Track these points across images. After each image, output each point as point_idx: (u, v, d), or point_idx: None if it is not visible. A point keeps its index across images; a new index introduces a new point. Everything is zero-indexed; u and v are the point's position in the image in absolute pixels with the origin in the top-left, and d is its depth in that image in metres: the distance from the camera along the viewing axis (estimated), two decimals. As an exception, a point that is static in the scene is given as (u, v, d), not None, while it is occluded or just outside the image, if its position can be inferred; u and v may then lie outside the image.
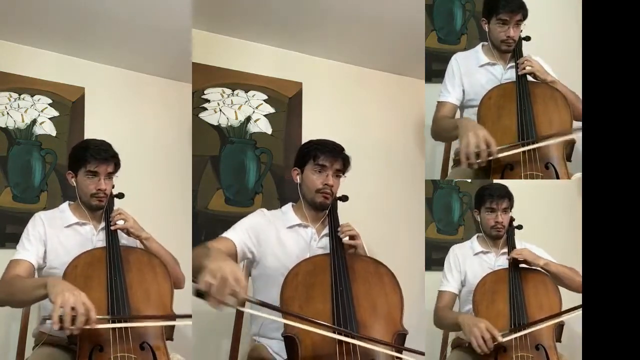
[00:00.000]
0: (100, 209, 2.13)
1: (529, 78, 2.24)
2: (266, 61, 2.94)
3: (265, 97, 2.94)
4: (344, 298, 1.90)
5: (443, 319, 2.29)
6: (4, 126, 2.72)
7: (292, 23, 2.77)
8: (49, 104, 2.81)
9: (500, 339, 1.99)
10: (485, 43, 2.38)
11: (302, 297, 1.90)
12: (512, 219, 2.39)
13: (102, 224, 2.14)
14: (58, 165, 2.78)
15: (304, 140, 2.41)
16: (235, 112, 2.89)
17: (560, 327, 2.10)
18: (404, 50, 2.85)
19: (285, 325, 1.82)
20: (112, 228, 2.09)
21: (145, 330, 1.92)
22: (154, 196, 2.85)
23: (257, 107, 2.92)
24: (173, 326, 1.97)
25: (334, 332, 1.80)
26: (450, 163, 2.59)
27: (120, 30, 2.67)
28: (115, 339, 1.85)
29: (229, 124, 2.87)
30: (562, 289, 2.20)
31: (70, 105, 2.84)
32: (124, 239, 2.12)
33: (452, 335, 2.44)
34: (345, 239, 2.03)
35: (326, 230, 2.12)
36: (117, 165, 2.13)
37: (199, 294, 1.63)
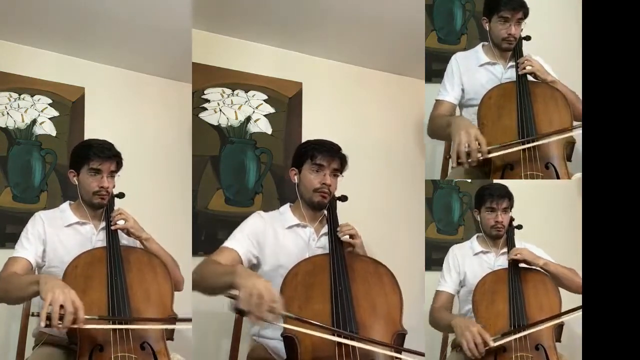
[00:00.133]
0: (102, 207, 2.13)
1: (529, 78, 2.24)
2: (266, 61, 2.94)
3: (265, 97, 2.94)
4: (343, 298, 1.90)
5: (438, 320, 2.29)
6: (4, 126, 2.73)
7: (292, 23, 2.77)
8: (49, 104, 2.81)
9: (492, 344, 1.98)
10: (486, 43, 2.38)
11: (302, 298, 1.90)
12: (512, 219, 2.39)
13: (103, 224, 2.14)
14: (58, 165, 2.78)
15: (304, 140, 2.41)
16: (235, 112, 2.89)
17: (560, 327, 2.09)
18: (404, 50, 2.85)
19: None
20: (113, 228, 2.09)
21: (146, 331, 1.92)
22: (154, 196, 2.85)
23: (257, 107, 2.92)
24: (173, 327, 1.98)
25: (333, 334, 1.80)
26: (450, 163, 2.59)
27: (120, 30, 2.68)
28: (115, 339, 1.85)
29: (229, 124, 2.87)
30: (562, 289, 2.20)
31: (70, 105, 2.85)
32: (124, 239, 2.12)
33: (452, 336, 2.43)
34: (345, 238, 2.03)
35: (325, 230, 2.12)
36: (119, 164, 2.13)
37: (239, 311, 1.68)
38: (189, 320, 1.97)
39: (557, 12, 2.79)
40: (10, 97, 2.75)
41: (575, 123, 2.16)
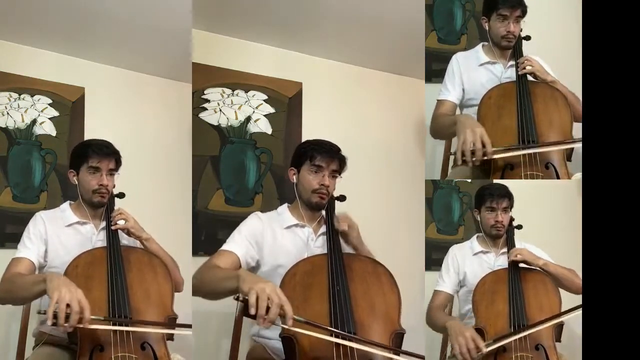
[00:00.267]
0: (102, 206, 2.13)
1: (529, 78, 2.24)
2: (266, 61, 2.94)
3: (265, 97, 2.94)
4: (342, 298, 1.90)
5: (434, 320, 2.29)
6: (4, 126, 2.73)
7: (292, 23, 2.77)
8: (49, 104, 2.81)
9: (484, 350, 1.98)
10: (486, 43, 2.38)
11: (300, 298, 1.89)
12: (512, 219, 2.39)
13: (103, 224, 2.14)
14: (58, 165, 2.78)
15: (304, 140, 2.41)
16: (235, 112, 2.89)
17: (560, 327, 2.09)
18: (404, 50, 2.85)
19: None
20: (113, 228, 2.09)
21: (146, 331, 1.92)
22: (154, 196, 2.85)
23: (257, 107, 2.92)
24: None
25: (331, 335, 1.80)
26: (450, 163, 2.59)
27: (120, 30, 2.68)
28: (116, 340, 1.85)
29: (229, 124, 2.87)
30: (561, 290, 2.20)
31: (70, 105, 2.85)
32: (124, 239, 2.12)
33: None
34: (343, 228, 2.04)
35: (323, 229, 2.12)
36: (118, 162, 2.14)
37: (249, 315, 1.68)
38: (189, 326, 1.96)
39: (557, 12, 2.79)
40: (10, 97, 2.75)
41: (576, 129, 2.16)
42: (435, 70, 2.71)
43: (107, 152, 2.10)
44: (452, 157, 2.58)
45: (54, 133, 2.81)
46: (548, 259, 2.25)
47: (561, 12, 2.79)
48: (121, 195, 2.19)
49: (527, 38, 2.33)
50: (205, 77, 2.82)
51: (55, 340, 2.05)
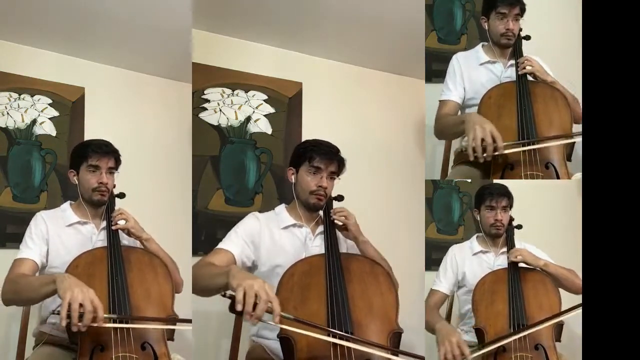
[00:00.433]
0: (102, 204, 2.14)
1: (529, 78, 2.24)
2: (266, 61, 2.94)
3: (265, 97, 2.94)
4: (339, 298, 1.90)
5: (427, 319, 2.29)
6: (4, 126, 2.73)
7: (292, 23, 2.77)
8: (49, 104, 2.81)
9: (469, 357, 1.98)
10: (486, 43, 2.39)
11: (298, 299, 1.90)
12: (511, 219, 2.39)
13: (103, 224, 2.14)
14: (58, 165, 2.78)
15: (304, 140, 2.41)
16: (235, 112, 2.89)
17: (559, 327, 2.10)
18: (404, 50, 2.85)
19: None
20: (113, 228, 2.10)
21: (147, 331, 1.92)
22: (154, 196, 2.85)
23: (257, 107, 2.92)
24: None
25: (328, 335, 1.80)
26: (451, 163, 2.59)
27: (120, 30, 2.67)
28: (116, 339, 1.85)
29: (229, 124, 2.87)
30: (561, 289, 2.20)
31: (70, 105, 2.85)
32: (124, 239, 2.12)
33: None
34: (341, 219, 2.06)
35: (321, 229, 2.12)
36: (117, 161, 2.14)
37: (236, 311, 1.67)
38: (189, 321, 1.97)
39: (557, 12, 2.79)
40: (10, 97, 2.75)
41: (575, 130, 2.16)
42: (435, 70, 2.71)
43: (106, 151, 2.11)
44: (452, 157, 2.59)
45: (54, 133, 2.81)
46: (548, 259, 2.25)
47: (561, 12, 2.79)
48: (121, 195, 2.19)
49: (527, 38, 2.33)
50: (205, 77, 2.81)
51: (55, 340, 2.05)
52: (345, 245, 2.15)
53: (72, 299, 1.73)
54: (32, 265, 2.04)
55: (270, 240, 2.10)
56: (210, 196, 2.82)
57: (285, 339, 1.83)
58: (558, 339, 2.10)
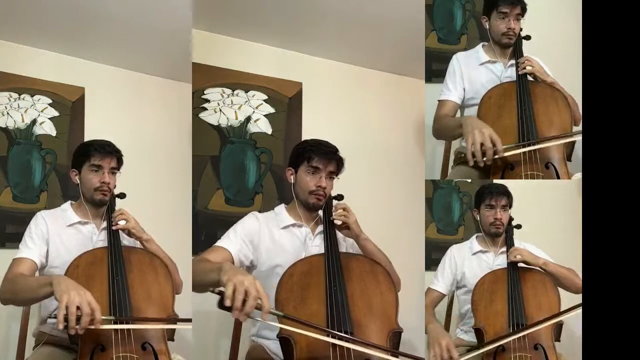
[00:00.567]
0: (104, 204, 2.14)
1: (529, 78, 2.24)
2: (266, 61, 2.94)
3: (265, 97, 2.94)
4: (339, 298, 1.90)
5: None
6: (4, 126, 2.73)
7: (292, 23, 2.77)
8: (49, 104, 2.81)
9: None
10: (486, 43, 2.39)
11: (297, 299, 1.90)
12: (511, 218, 2.40)
13: (104, 224, 2.14)
14: (58, 165, 2.79)
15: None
16: (235, 112, 2.89)
17: (559, 326, 2.10)
18: (404, 50, 2.85)
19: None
20: (114, 228, 2.10)
21: (147, 331, 1.92)
22: (154, 196, 2.85)
23: (257, 107, 2.92)
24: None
25: (328, 335, 1.80)
26: (450, 163, 2.59)
27: (120, 30, 2.68)
28: (117, 340, 1.85)
29: (229, 124, 2.88)
30: (561, 289, 2.20)
31: (70, 105, 2.85)
32: (125, 240, 2.12)
33: (452, 337, 2.44)
34: (341, 217, 2.06)
35: (320, 229, 2.12)
36: (119, 161, 2.15)
37: (225, 307, 1.64)
38: (189, 321, 1.97)
39: (557, 12, 2.79)
40: (10, 97, 2.75)
41: (575, 128, 2.16)
42: (435, 70, 2.71)
43: (108, 151, 2.12)
44: (452, 157, 2.59)
45: (54, 133, 2.81)
46: (548, 259, 2.26)
47: (561, 12, 2.79)
48: (122, 195, 2.20)
49: (527, 38, 2.33)
50: (205, 77, 2.82)
51: (55, 340, 2.05)
52: (345, 244, 2.15)
53: (68, 302, 1.72)
54: (31, 265, 2.03)
55: (270, 240, 2.10)
56: (210, 196, 2.82)
57: (284, 339, 1.83)
58: (557, 339, 2.10)
